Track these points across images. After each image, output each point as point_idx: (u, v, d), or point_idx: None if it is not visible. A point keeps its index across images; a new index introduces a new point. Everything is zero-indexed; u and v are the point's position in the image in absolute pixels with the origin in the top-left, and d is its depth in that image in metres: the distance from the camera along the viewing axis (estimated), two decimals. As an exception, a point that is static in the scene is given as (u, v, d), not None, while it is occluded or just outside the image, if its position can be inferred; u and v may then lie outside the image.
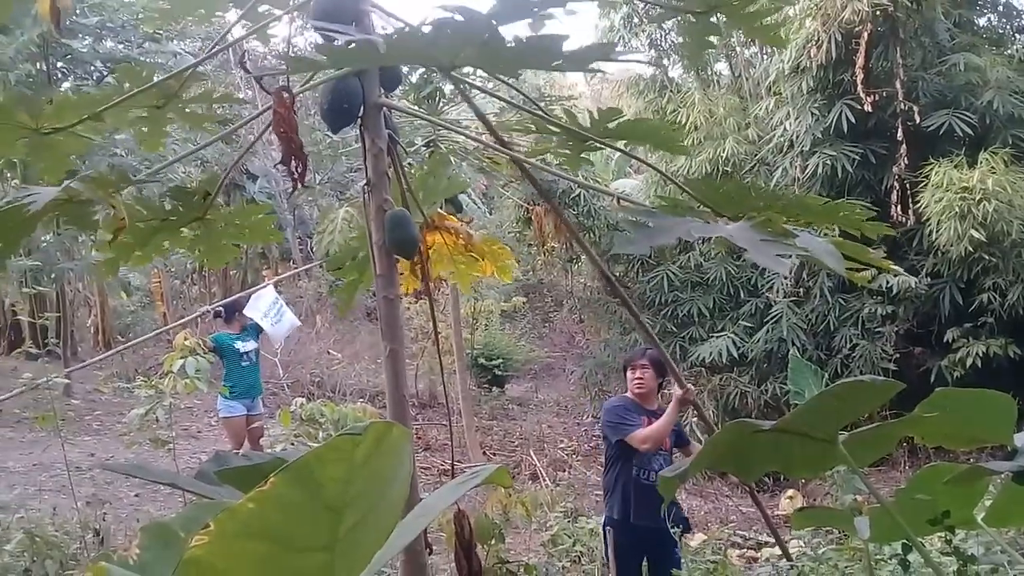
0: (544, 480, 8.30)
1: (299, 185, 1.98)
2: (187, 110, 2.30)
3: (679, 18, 2.39)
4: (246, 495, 0.84)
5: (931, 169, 8.54)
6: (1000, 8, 10.66)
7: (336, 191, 14.37)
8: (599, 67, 1.79)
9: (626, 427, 4.21)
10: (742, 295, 10.14)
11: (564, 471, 9.02)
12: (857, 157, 9.10)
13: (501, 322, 14.84)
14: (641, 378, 4.36)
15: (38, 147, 2.09)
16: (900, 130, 8.92)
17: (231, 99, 3.18)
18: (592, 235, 10.09)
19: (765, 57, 10.61)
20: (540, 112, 2.36)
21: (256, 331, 7.45)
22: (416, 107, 8.11)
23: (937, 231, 8.37)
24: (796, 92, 9.40)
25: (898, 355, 8.94)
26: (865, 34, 8.86)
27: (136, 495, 7.01)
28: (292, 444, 5.09)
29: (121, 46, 11.68)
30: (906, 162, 8.88)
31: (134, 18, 10.90)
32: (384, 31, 2.08)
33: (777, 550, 4.59)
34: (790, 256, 1.73)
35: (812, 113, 9.27)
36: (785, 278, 9.33)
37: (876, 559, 3.64)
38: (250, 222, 2.40)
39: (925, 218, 8.56)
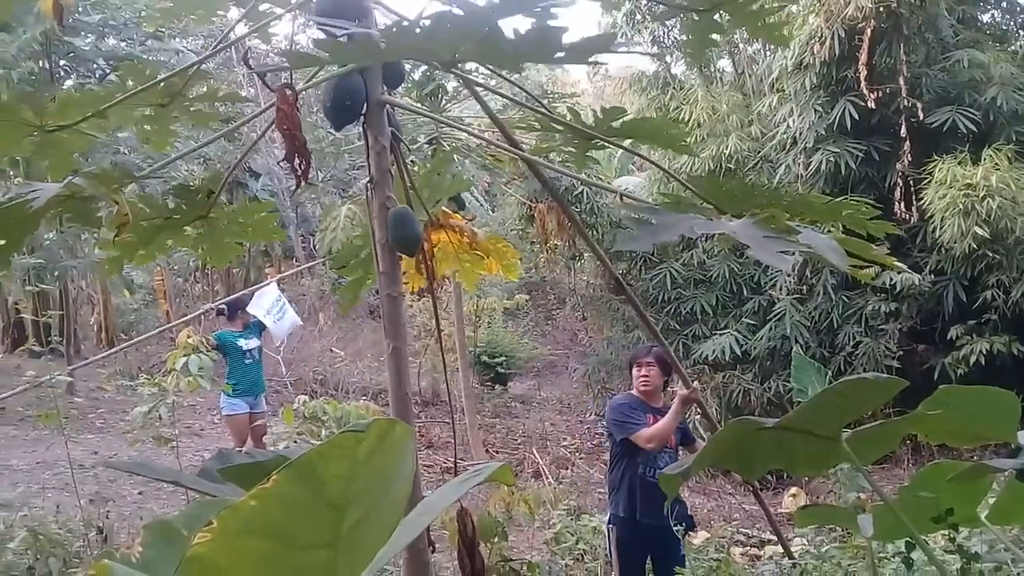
0: (547, 478, 8.30)
1: (302, 183, 1.98)
2: (192, 108, 2.30)
3: (682, 16, 2.38)
4: (249, 492, 0.84)
5: (935, 166, 8.51)
6: (1004, 4, 10.61)
7: (339, 189, 14.38)
8: (600, 60, 1.78)
9: (631, 425, 4.20)
10: (745, 292, 10.12)
11: (567, 469, 9.01)
12: (860, 154, 9.07)
13: (504, 320, 14.85)
14: (647, 375, 4.34)
15: (43, 144, 2.09)
16: (904, 127, 8.90)
17: (236, 97, 3.18)
18: (595, 232, 10.08)
19: (768, 54, 10.59)
20: (544, 110, 2.35)
21: (259, 329, 7.45)
22: (419, 104, 8.10)
23: (941, 228, 8.34)
24: (799, 89, 9.38)
25: (901, 352, 8.92)
26: (868, 30, 8.84)
27: (139, 493, 7.02)
28: (295, 442, 5.09)
29: (123, 44, 11.70)
30: (910, 159, 8.86)
31: (136, 16, 10.90)
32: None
33: (780, 548, 4.60)
34: (793, 253, 1.72)
35: (815, 110, 9.24)
36: (788, 275, 9.31)
37: (879, 557, 3.63)
38: (253, 220, 2.40)
39: (929, 215, 8.54)
